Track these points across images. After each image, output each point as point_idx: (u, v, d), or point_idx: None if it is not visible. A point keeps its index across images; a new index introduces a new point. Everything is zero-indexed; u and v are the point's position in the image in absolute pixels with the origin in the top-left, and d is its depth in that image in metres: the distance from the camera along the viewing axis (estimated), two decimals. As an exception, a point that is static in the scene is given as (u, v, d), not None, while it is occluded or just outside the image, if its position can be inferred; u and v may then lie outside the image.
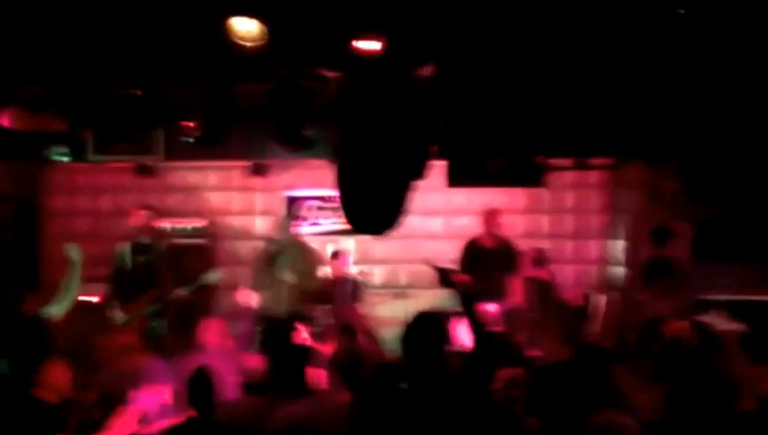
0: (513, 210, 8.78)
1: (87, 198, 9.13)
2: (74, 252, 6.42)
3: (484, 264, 7.43)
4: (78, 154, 7.46)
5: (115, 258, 7.04)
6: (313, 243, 8.32)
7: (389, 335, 8.88)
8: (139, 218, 7.01)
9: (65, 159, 7.58)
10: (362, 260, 8.82)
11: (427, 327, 3.24)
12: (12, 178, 8.66)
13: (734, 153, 7.26)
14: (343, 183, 3.81)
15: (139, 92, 6.06)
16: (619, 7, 4.85)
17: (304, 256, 7.38)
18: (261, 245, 7.62)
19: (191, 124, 6.73)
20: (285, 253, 7.23)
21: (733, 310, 6.82)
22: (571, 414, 3.93)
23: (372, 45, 4.26)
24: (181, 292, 6.88)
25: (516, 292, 7.30)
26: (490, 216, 7.56)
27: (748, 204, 7.50)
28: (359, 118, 3.85)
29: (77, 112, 6.53)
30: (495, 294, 7.22)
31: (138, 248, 6.98)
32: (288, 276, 7.11)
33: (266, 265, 7.21)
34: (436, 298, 8.81)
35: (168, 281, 6.94)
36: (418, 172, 4.05)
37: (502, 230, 7.67)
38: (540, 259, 7.83)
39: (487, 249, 7.52)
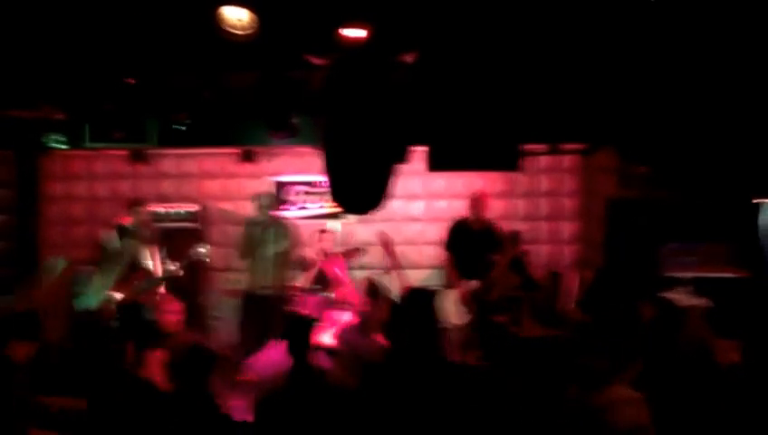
0: (490, 193, 8.81)
1: (83, 185, 9.07)
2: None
3: (469, 244, 7.45)
4: (75, 142, 7.39)
5: (101, 243, 7.03)
6: (301, 226, 8.33)
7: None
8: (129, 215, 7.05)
9: (62, 146, 7.50)
10: (347, 242, 8.81)
11: (418, 303, 3.25)
12: (12, 165, 8.59)
13: (698, 138, 7.32)
14: (331, 166, 3.80)
15: (132, 81, 6.00)
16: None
17: (286, 233, 7.42)
18: (243, 224, 7.61)
19: (184, 112, 6.68)
20: (269, 230, 7.25)
21: (697, 287, 6.87)
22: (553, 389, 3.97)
23: (358, 33, 4.24)
24: (172, 267, 6.88)
25: (499, 271, 7.33)
26: (476, 199, 7.59)
27: (712, 186, 7.56)
28: (345, 103, 3.85)
29: (74, 101, 6.47)
30: (479, 273, 7.23)
31: (122, 231, 6.96)
32: (271, 251, 7.11)
33: (250, 242, 7.21)
34: (417, 278, 8.86)
35: (156, 258, 6.94)
36: (402, 156, 4.06)
37: (486, 213, 7.70)
38: (516, 240, 7.86)
39: (472, 230, 7.55)
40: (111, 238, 7.01)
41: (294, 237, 7.63)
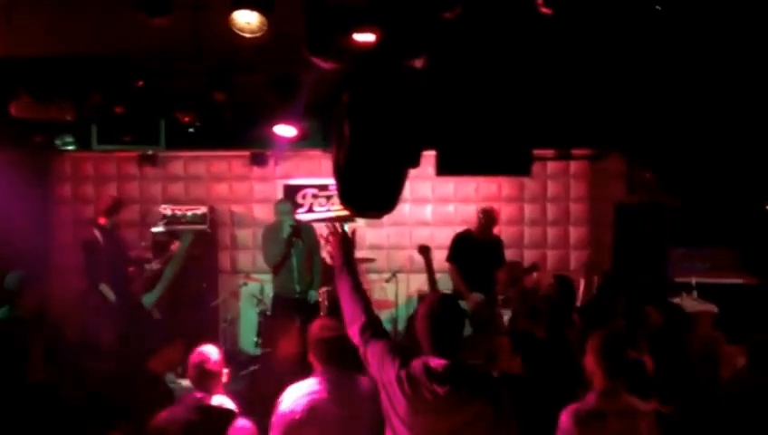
0: (498, 198, 8.78)
1: (92, 186, 9.03)
2: (185, 242, 6.50)
3: (472, 257, 7.32)
4: (83, 144, 7.36)
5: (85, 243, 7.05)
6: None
7: (382, 317, 8.92)
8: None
9: (71, 148, 7.47)
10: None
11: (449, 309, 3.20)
12: (22, 166, 8.54)
13: (704, 145, 7.27)
14: (341, 168, 3.74)
15: (141, 83, 5.96)
16: (601, 7, 4.82)
17: (316, 239, 7.35)
18: (273, 228, 7.52)
19: (193, 115, 6.63)
20: (302, 235, 7.20)
21: (704, 292, 6.82)
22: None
23: (368, 37, 4.19)
24: (154, 265, 6.94)
25: (500, 283, 7.22)
26: (487, 214, 7.45)
27: (718, 192, 7.52)
28: (355, 106, 3.81)
29: (82, 103, 6.43)
30: (481, 287, 7.08)
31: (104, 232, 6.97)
32: (300, 256, 7.13)
33: (282, 246, 7.14)
34: (425, 282, 8.79)
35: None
36: (414, 159, 4.01)
37: (496, 227, 7.58)
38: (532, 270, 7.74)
39: (476, 243, 7.41)
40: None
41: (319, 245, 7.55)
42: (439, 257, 8.70)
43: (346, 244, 3.54)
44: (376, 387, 3.22)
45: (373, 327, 3.29)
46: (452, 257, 7.48)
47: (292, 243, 7.09)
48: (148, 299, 6.68)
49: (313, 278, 7.28)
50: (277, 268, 7.20)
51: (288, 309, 7.07)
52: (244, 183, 9.09)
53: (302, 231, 7.23)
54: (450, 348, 3.11)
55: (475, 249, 7.34)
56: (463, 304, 6.95)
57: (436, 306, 3.19)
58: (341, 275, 3.47)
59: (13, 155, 8.28)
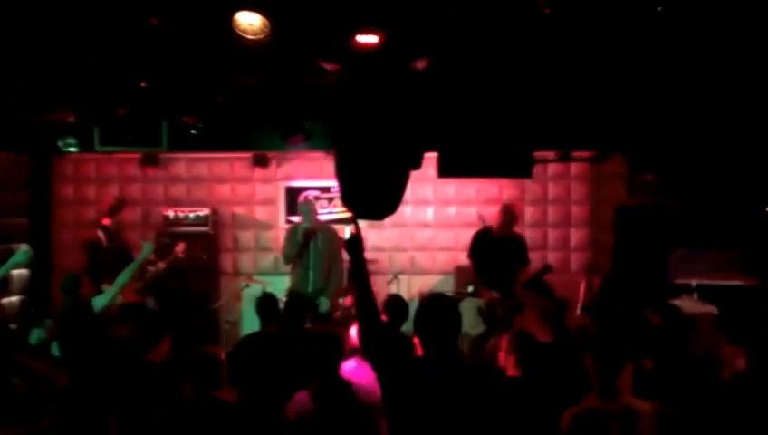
0: (499, 200, 8.75)
1: (95, 188, 9.03)
2: (146, 249, 6.40)
3: (491, 254, 7.27)
4: (85, 145, 7.37)
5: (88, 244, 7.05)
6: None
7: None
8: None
9: (73, 149, 7.48)
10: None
11: (440, 308, 3.20)
12: (25, 168, 8.56)
13: (705, 146, 7.28)
14: (344, 171, 3.74)
15: (144, 84, 5.97)
16: (603, 10, 4.83)
17: (335, 241, 7.30)
18: (293, 228, 7.50)
19: (195, 116, 6.65)
20: (320, 236, 7.17)
21: (704, 294, 6.81)
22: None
23: (370, 39, 4.20)
24: (157, 267, 6.93)
25: (519, 285, 7.17)
26: (507, 210, 7.41)
27: (718, 193, 7.52)
28: (357, 108, 3.81)
29: (85, 104, 6.45)
30: (502, 283, 7.03)
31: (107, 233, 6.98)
32: (321, 259, 7.09)
33: (300, 246, 7.12)
34: (426, 283, 8.80)
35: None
36: (416, 161, 4.02)
37: (516, 224, 7.53)
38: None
39: (495, 240, 7.37)
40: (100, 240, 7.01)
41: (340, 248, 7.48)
42: (441, 259, 8.78)
43: (353, 251, 3.50)
44: None
45: None
46: (472, 255, 7.44)
47: (304, 244, 7.08)
48: (98, 303, 6.51)
49: (329, 283, 7.21)
50: (292, 267, 7.21)
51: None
52: (246, 185, 9.08)
53: (318, 233, 7.18)
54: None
55: (494, 247, 7.29)
56: (478, 301, 6.94)
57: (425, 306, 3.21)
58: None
59: (17, 157, 8.31)
